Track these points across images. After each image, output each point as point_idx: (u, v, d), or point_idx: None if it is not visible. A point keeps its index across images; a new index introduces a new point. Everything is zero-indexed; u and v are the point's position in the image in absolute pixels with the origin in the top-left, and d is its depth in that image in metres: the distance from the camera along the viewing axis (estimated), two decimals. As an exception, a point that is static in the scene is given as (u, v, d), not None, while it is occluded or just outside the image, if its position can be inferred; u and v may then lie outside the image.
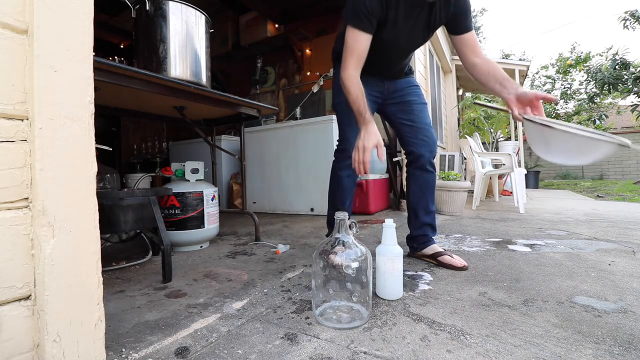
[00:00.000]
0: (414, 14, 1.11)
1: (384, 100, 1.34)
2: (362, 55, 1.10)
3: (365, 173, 1.05)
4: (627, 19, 5.37)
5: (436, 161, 3.86)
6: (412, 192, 1.32)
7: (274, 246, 1.63)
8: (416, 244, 1.32)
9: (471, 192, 3.10)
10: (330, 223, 1.43)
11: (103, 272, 0.55)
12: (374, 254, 0.95)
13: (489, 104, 1.02)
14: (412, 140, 1.29)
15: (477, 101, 1.14)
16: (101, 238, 0.58)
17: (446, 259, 1.23)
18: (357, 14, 1.07)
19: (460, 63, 4.89)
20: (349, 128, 1.27)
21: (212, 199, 1.64)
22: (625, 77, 5.38)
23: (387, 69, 1.29)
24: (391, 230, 0.96)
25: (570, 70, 8.92)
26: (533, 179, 6.48)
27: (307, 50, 3.74)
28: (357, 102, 1.08)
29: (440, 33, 4.36)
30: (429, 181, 1.30)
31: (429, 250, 1.29)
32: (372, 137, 1.03)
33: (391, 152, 3.00)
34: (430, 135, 1.29)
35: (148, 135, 4.64)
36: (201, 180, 1.65)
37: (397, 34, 1.15)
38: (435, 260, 1.26)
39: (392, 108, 1.34)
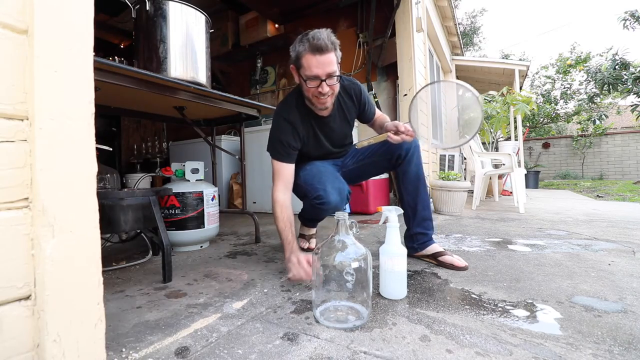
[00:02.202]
0: (329, 122, 1.33)
1: (341, 168, 1.47)
2: (289, 179, 1.28)
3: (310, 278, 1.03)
4: (627, 19, 5.37)
5: (436, 161, 3.84)
6: (405, 188, 1.31)
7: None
8: (416, 244, 1.31)
9: (471, 192, 3.10)
10: (303, 218, 1.56)
11: (103, 272, 0.55)
12: (374, 254, 0.95)
13: (367, 142, 1.24)
14: (384, 155, 1.34)
15: (357, 144, 1.34)
16: (101, 238, 0.58)
17: (447, 258, 1.22)
18: (277, 151, 1.27)
19: (460, 63, 4.86)
20: (318, 181, 1.28)
21: (212, 199, 1.64)
22: (625, 77, 5.38)
23: (330, 155, 1.46)
24: (395, 230, 0.96)
25: (570, 70, 8.92)
26: (533, 179, 6.48)
27: (307, 50, 3.73)
28: (285, 232, 1.18)
29: (440, 32, 4.36)
30: (417, 173, 1.29)
31: (430, 250, 1.28)
32: (302, 267, 1.05)
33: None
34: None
35: (148, 135, 4.64)
36: (201, 180, 1.65)
37: (323, 141, 1.37)
38: (435, 260, 1.26)
39: (354, 167, 1.47)
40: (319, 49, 1.09)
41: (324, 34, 1.10)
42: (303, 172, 1.33)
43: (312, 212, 1.37)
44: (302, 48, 1.11)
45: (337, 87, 1.20)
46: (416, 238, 1.31)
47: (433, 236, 1.33)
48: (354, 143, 1.53)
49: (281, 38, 3.64)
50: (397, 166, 1.31)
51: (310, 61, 1.11)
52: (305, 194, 1.33)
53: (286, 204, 1.23)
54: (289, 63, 1.21)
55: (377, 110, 1.46)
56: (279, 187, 1.25)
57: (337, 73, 1.15)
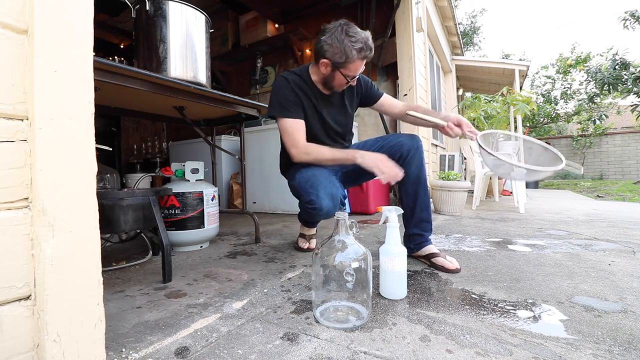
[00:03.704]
0: (328, 99, 1.37)
1: (341, 168, 1.44)
2: (304, 132, 1.28)
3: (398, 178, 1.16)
4: (627, 19, 5.37)
5: (436, 161, 3.83)
6: (404, 189, 1.31)
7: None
8: (413, 244, 1.31)
9: (471, 192, 3.10)
10: (301, 219, 1.58)
11: (103, 272, 0.55)
12: (374, 254, 0.95)
13: (423, 116, 1.26)
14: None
15: (411, 112, 1.26)
16: (101, 238, 0.58)
17: (439, 260, 1.22)
18: (283, 106, 1.27)
19: (460, 63, 4.85)
20: (311, 185, 1.24)
21: (212, 199, 1.64)
22: (625, 77, 5.38)
23: (336, 137, 1.44)
24: (395, 230, 0.96)
25: (570, 70, 8.93)
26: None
27: (307, 50, 3.74)
28: (334, 155, 1.23)
29: (440, 32, 4.36)
30: (418, 175, 1.28)
31: (425, 251, 1.29)
32: (379, 156, 1.16)
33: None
34: (393, 140, 1.32)
35: (148, 135, 4.64)
36: (201, 180, 1.65)
37: (325, 117, 1.37)
38: (428, 262, 1.26)
39: (354, 167, 1.42)
40: (367, 57, 1.21)
41: (371, 40, 1.21)
42: (299, 174, 1.33)
43: (306, 215, 1.40)
44: (357, 55, 1.18)
45: None
46: (413, 239, 1.31)
47: (432, 237, 1.33)
48: (359, 139, 1.52)
49: (281, 38, 3.64)
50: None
51: (358, 65, 1.22)
52: (299, 197, 1.33)
53: (312, 145, 1.27)
54: (324, 57, 1.22)
55: (388, 96, 1.50)
56: (299, 140, 1.25)
57: None
